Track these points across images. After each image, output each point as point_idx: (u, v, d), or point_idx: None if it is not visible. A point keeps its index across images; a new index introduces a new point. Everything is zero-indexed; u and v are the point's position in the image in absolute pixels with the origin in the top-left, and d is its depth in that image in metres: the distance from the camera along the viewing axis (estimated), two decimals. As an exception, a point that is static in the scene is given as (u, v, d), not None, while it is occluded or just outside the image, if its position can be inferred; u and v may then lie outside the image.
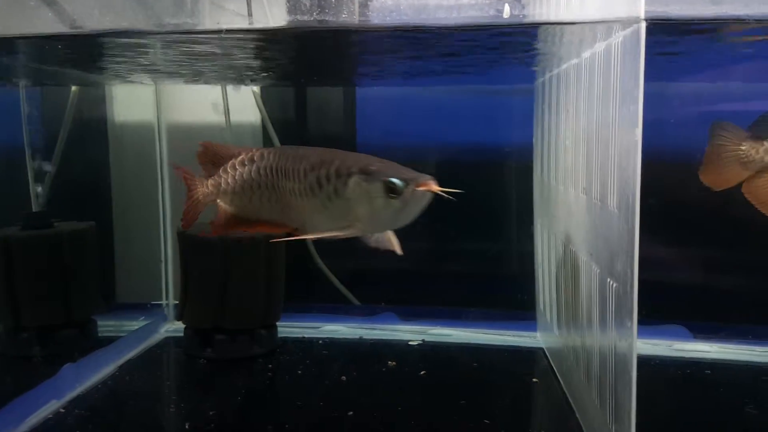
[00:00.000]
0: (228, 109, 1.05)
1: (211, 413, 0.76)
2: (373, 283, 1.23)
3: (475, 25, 0.55)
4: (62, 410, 0.77)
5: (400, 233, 1.28)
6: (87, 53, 0.74)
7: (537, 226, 1.02)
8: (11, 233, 0.96)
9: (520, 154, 1.15)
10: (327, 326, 1.11)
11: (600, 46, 0.58)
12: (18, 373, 0.90)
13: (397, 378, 0.89)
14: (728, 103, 1.04)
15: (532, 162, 1.04)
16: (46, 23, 0.60)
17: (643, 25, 0.46)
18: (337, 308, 1.17)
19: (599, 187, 0.58)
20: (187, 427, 0.72)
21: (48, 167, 1.04)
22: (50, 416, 0.75)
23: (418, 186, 0.55)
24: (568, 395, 0.79)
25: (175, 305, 1.14)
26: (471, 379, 0.89)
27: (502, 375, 0.91)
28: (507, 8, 0.47)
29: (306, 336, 1.07)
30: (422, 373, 0.89)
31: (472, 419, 0.75)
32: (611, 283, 0.54)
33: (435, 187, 0.55)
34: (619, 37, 0.52)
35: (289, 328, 1.07)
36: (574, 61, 0.71)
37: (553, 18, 0.53)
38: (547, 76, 0.90)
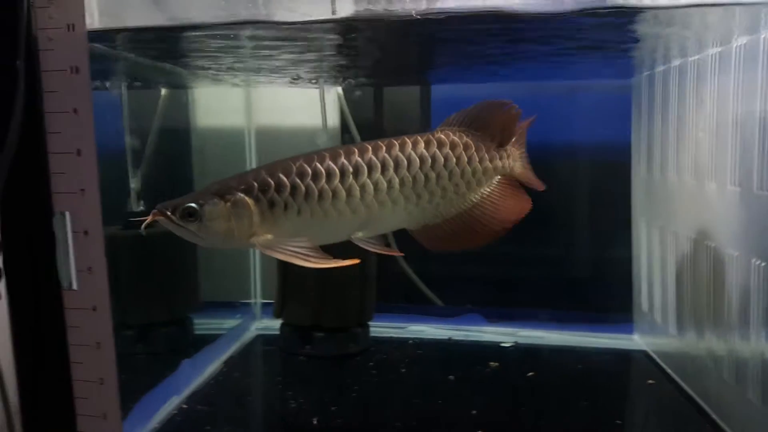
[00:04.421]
0: (325, 111, 1.05)
1: (333, 408, 0.75)
2: (455, 285, 1.22)
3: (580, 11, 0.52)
4: (184, 406, 0.77)
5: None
6: (183, 48, 0.74)
7: (639, 224, 1.00)
8: (114, 232, 0.97)
9: (605, 153, 1.12)
10: (413, 326, 1.10)
11: (766, 33, 0.56)
12: (131, 369, 0.90)
13: (507, 378, 0.87)
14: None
15: (618, 160, 1.02)
16: (148, 15, 0.60)
17: None
18: (421, 309, 1.15)
19: (766, 177, 0.56)
20: (315, 422, 0.72)
21: (139, 168, 1.05)
22: (175, 411, 0.75)
23: None
24: (694, 396, 0.77)
25: (263, 304, 1.15)
26: (583, 382, 0.87)
27: (613, 377, 0.89)
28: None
29: (394, 336, 1.06)
30: (530, 374, 0.88)
31: (604, 420, 0.73)
32: (789, 277, 0.52)
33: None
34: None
35: (376, 328, 1.06)
36: (714, 50, 0.68)
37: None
38: (660, 68, 0.87)
